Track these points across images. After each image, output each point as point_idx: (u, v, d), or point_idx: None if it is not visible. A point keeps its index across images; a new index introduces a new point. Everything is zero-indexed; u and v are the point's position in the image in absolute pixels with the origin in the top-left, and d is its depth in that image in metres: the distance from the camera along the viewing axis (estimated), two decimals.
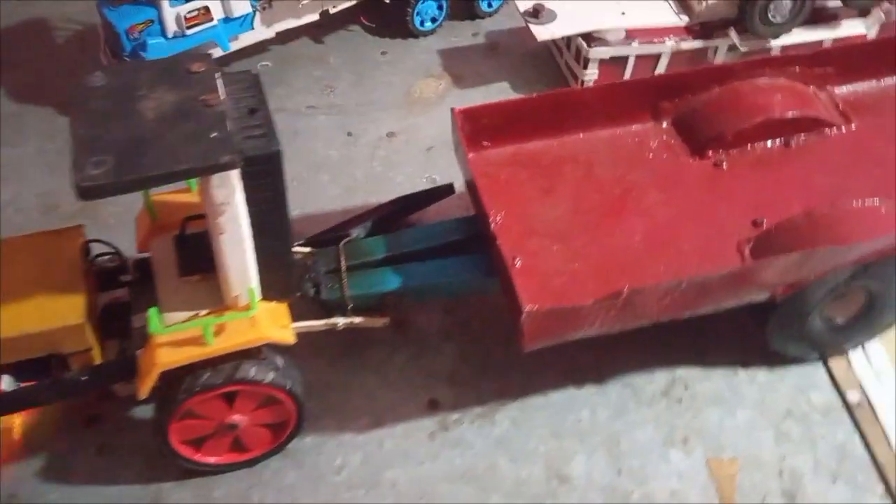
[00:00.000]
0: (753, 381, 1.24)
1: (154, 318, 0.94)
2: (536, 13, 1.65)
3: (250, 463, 1.12)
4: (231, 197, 0.90)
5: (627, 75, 1.67)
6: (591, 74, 1.66)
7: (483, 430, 1.18)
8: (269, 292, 1.03)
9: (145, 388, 0.97)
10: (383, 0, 1.76)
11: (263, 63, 1.79)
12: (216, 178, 0.87)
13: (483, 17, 1.93)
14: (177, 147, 0.85)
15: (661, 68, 1.67)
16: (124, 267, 1.12)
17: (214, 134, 0.87)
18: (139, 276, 1.10)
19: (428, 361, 1.25)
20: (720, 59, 1.69)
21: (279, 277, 1.01)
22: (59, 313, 0.97)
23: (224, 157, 0.85)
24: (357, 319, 1.13)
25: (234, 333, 0.98)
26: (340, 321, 1.13)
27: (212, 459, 1.08)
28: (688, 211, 1.19)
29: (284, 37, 1.78)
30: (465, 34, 1.89)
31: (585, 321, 1.03)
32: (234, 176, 0.89)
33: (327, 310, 1.14)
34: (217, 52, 1.61)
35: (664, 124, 1.33)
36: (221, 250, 0.94)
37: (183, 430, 1.04)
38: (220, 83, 0.94)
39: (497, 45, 1.86)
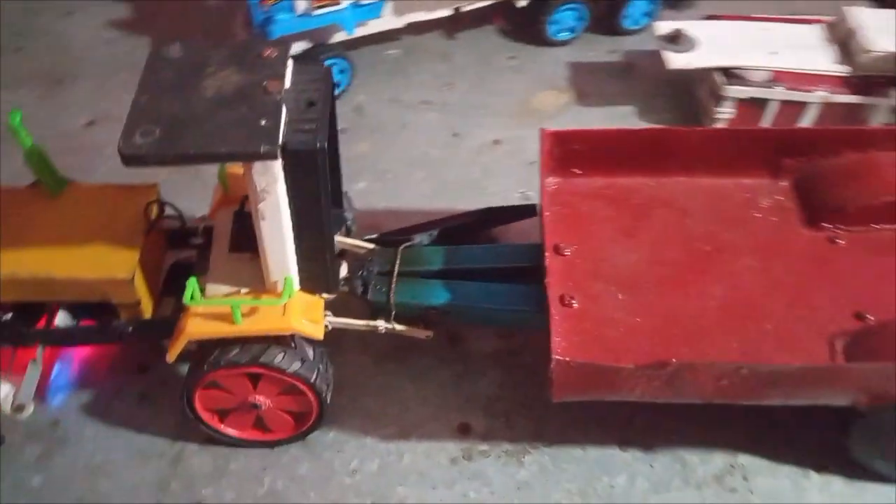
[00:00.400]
0: (825, 490, 1.09)
1: (190, 288, 0.95)
2: (674, 39, 1.54)
3: (270, 444, 1.12)
4: (273, 185, 0.89)
5: (767, 122, 1.52)
6: (725, 113, 1.53)
7: (507, 469, 1.11)
8: (308, 284, 1.01)
9: (173, 352, 0.99)
10: (516, 4, 1.70)
11: (391, 51, 1.78)
12: (258, 165, 0.87)
13: (624, 35, 1.82)
14: (225, 129, 0.85)
15: (806, 120, 1.51)
16: (195, 230, 1.14)
17: (264, 122, 0.86)
18: (207, 242, 1.12)
19: (470, 383, 1.20)
20: (877, 120, 1.51)
21: (318, 271, 0.99)
22: (111, 265, 1.01)
23: (264, 147, 0.84)
24: (399, 327, 1.10)
25: (263, 318, 0.98)
26: (382, 325, 1.10)
27: (232, 431, 1.09)
28: (782, 286, 1.06)
29: (417, 28, 1.76)
30: (601, 50, 1.80)
31: (624, 385, 0.94)
32: (277, 166, 0.87)
33: (373, 311, 1.12)
34: (342, 35, 1.62)
35: (782, 183, 1.20)
36: (262, 235, 0.94)
37: (208, 398, 1.05)
38: (288, 71, 0.93)
39: (632, 67, 1.75)
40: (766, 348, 0.99)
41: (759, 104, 1.50)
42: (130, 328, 1.06)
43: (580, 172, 1.22)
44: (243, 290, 1.02)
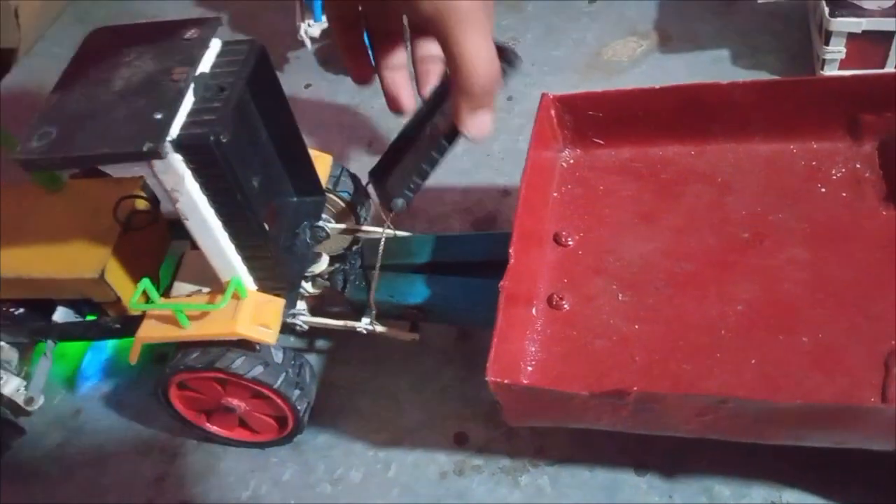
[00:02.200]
0: None
1: (139, 290, 0.91)
2: None
3: (259, 445, 1.08)
4: (181, 184, 0.81)
5: (891, 64, 1.19)
6: (835, 53, 1.21)
7: (499, 489, 0.98)
8: (264, 284, 0.94)
9: (133, 355, 0.97)
10: None
11: None
12: (159, 164, 0.79)
13: None
14: (117, 126, 0.78)
15: None
16: None
17: (158, 115, 0.78)
18: None
19: (473, 388, 1.07)
20: None
21: (266, 270, 0.91)
22: (82, 263, 0.99)
23: (147, 145, 0.76)
24: (380, 328, 1.00)
25: (210, 322, 0.92)
26: (362, 326, 1.00)
27: (217, 430, 1.05)
28: (834, 286, 0.81)
29: None
30: None
31: (583, 415, 0.77)
32: (177, 162, 0.79)
33: (355, 309, 1.02)
34: None
35: (864, 148, 0.92)
36: (194, 235, 0.87)
37: (184, 398, 1.03)
38: (208, 54, 0.84)
39: (734, 1, 1.46)
40: (794, 369, 0.76)
41: (879, 40, 1.17)
42: (118, 325, 1.05)
43: (602, 143, 1.02)
44: (205, 290, 0.97)
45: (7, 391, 1.11)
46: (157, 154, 0.77)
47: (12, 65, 1.88)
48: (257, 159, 0.87)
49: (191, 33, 0.86)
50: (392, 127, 1.44)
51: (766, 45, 1.36)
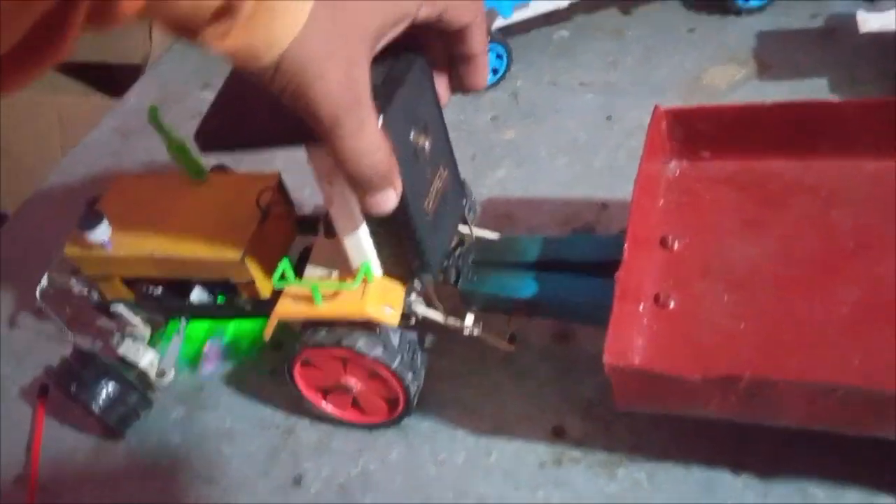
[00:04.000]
0: None
1: (279, 270, 1.00)
2: None
3: (368, 426, 1.15)
4: (334, 171, 0.89)
5: None
6: None
7: (597, 481, 1.03)
8: (391, 270, 1.02)
9: (268, 331, 1.05)
10: None
11: (560, 33, 1.72)
12: (315, 150, 0.88)
13: None
14: (281, 113, 0.87)
15: None
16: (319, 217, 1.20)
17: None
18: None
19: (571, 383, 1.12)
20: None
21: (396, 258, 0.99)
22: (225, 248, 1.09)
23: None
24: (478, 331, 1.06)
25: (342, 303, 1.01)
26: (467, 325, 1.07)
27: (332, 410, 1.13)
28: None
29: (589, 6, 1.68)
30: (801, 14, 1.56)
31: (693, 399, 0.81)
32: None
33: (465, 303, 1.10)
34: (503, 20, 1.60)
35: None
36: (335, 221, 0.96)
37: (306, 376, 1.11)
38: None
39: (835, 31, 1.50)
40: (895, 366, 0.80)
41: None
42: (249, 305, 1.14)
43: (709, 155, 1.07)
44: (334, 274, 1.05)
45: (143, 363, 1.22)
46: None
47: (140, 75, 2.05)
48: (413, 152, 0.89)
49: None
50: (494, 143, 1.53)
51: (865, 75, 1.39)
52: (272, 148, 0.91)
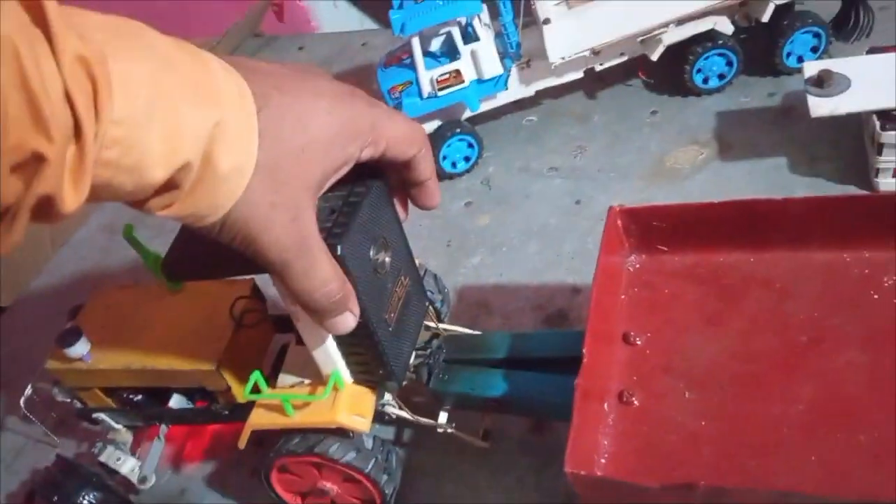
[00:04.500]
0: None
1: (251, 382, 1.02)
2: (821, 82, 1.34)
3: None
4: None
5: None
6: (888, 163, 1.29)
7: None
8: (360, 377, 1.04)
9: (242, 440, 1.07)
10: (651, 58, 1.59)
11: (529, 118, 1.78)
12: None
13: (789, 74, 1.62)
14: None
15: None
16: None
17: None
18: None
19: (550, 477, 1.14)
20: None
21: (366, 366, 1.02)
22: (200, 357, 1.11)
23: None
24: (451, 429, 1.09)
25: (312, 412, 1.03)
26: (441, 424, 1.09)
27: None
28: (889, 388, 0.87)
29: (555, 92, 1.74)
30: (758, 94, 1.62)
31: None
32: None
33: (438, 401, 1.12)
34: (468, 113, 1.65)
35: None
36: (303, 336, 0.99)
37: (283, 481, 1.12)
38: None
39: (792, 110, 1.55)
40: (854, 466, 0.81)
41: None
42: (227, 411, 1.16)
43: (666, 249, 1.11)
44: (307, 382, 1.08)
45: (124, 471, 1.23)
46: None
47: None
48: (373, 268, 0.93)
49: None
50: (469, 229, 1.57)
51: (822, 154, 1.44)
52: (234, 276, 0.95)
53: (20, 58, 0.43)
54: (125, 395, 1.23)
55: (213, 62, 0.60)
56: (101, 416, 1.24)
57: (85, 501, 1.20)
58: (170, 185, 0.60)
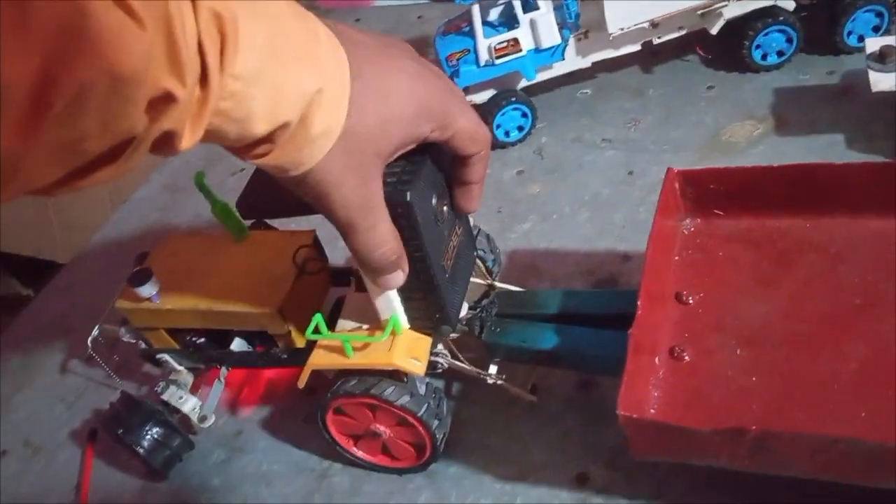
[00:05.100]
0: None
1: (313, 323, 1.07)
2: (883, 57, 1.33)
3: (398, 471, 1.20)
4: None
5: None
6: None
7: None
8: (416, 323, 1.08)
9: (302, 380, 1.12)
10: (710, 31, 1.60)
11: (583, 91, 1.79)
12: None
13: (849, 53, 1.61)
14: None
15: None
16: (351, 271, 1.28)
17: None
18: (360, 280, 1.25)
19: (594, 432, 1.16)
20: None
21: (423, 311, 1.05)
22: (263, 300, 1.16)
23: None
24: (502, 382, 1.12)
25: (370, 353, 1.07)
26: (491, 374, 1.12)
27: (363, 455, 1.18)
28: None
29: (608, 65, 1.75)
30: (818, 72, 1.62)
31: (704, 450, 0.85)
32: None
33: (489, 352, 1.15)
34: (527, 81, 1.67)
35: None
36: (366, 282, 1.03)
37: (337, 423, 1.17)
38: None
39: (851, 89, 1.55)
40: None
41: None
42: (285, 355, 1.21)
43: (722, 214, 1.12)
44: (365, 327, 1.12)
45: (185, 409, 1.29)
46: None
47: None
48: (434, 216, 0.96)
49: None
50: (519, 197, 1.60)
51: (880, 132, 1.43)
52: (300, 216, 0.99)
53: (168, 6, 0.48)
54: (189, 337, 1.28)
55: (321, 30, 0.65)
56: (165, 356, 1.30)
57: (148, 436, 1.26)
58: (266, 139, 0.66)
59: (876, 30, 1.57)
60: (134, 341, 1.32)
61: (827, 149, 1.45)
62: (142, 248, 1.36)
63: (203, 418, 1.29)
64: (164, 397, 1.29)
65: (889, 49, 1.33)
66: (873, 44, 1.36)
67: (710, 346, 0.99)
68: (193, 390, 1.32)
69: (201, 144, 0.64)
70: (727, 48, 1.66)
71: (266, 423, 1.36)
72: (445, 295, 1.02)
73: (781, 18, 1.58)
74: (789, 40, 1.61)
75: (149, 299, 1.20)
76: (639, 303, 0.93)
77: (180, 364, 1.31)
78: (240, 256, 1.26)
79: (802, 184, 1.05)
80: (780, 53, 1.63)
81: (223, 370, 1.32)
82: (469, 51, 1.64)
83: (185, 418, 1.30)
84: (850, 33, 1.59)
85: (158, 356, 1.30)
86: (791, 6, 1.57)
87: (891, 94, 1.36)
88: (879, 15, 1.56)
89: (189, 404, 1.29)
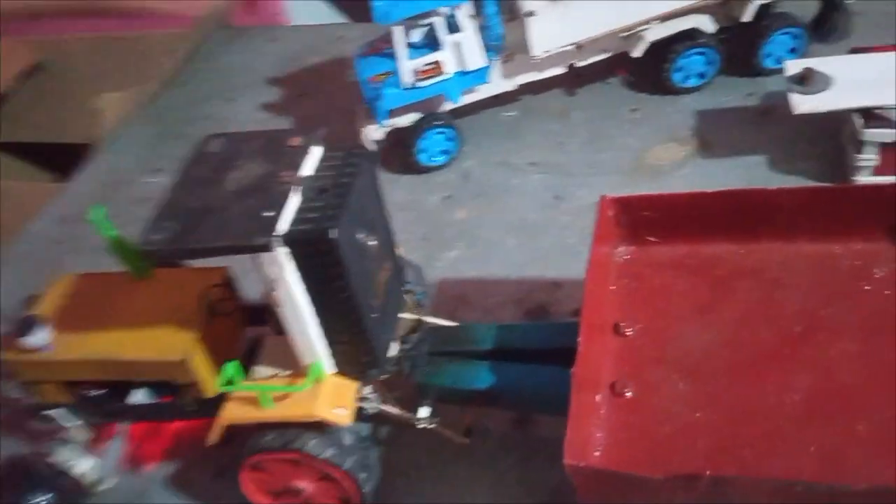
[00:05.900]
0: None
1: (225, 374, 0.97)
2: (804, 79, 1.34)
3: None
4: (281, 274, 0.89)
5: None
6: (867, 161, 1.30)
7: None
8: (343, 367, 1.00)
9: (212, 436, 1.01)
10: (632, 55, 1.58)
11: (508, 113, 1.75)
12: (265, 256, 0.87)
13: (767, 75, 1.63)
14: (231, 223, 0.87)
15: None
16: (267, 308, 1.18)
17: (267, 213, 0.86)
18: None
19: (532, 471, 1.10)
20: None
21: (350, 355, 0.97)
22: (168, 348, 1.05)
23: (258, 239, 0.85)
24: (433, 425, 1.05)
25: (290, 404, 0.98)
26: (422, 418, 1.05)
27: None
28: (885, 376, 0.85)
29: (536, 87, 1.72)
30: (738, 94, 1.62)
31: (655, 498, 0.80)
32: (281, 255, 0.87)
33: (421, 395, 1.07)
34: (452, 104, 1.62)
35: None
36: (284, 323, 0.94)
37: (255, 480, 1.07)
38: (311, 160, 0.94)
39: (772, 110, 1.56)
40: (852, 456, 0.80)
41: None
42: (194, 407, 1.10)
43: (657, 240, 1.09)
44: (284, 374, 1.02)
45: (80, 470, 1.16)
46: (267, 247, 0.85)
47: (90, 158, 2.02)
48: (360, 252, 0.92)
49: (294, 141, 0.96)
50: (446, 222, 1.53)
51: (801, 152, 1.44)
52: (216, 256, 0.90)
53: None
54: (85, 391, 1.15)
55: None
56: (57, 412, 1.17)
57: None
58: None
59: (793, 51, 1.59)
60: (22, 396, 1.18)
61: (751, 169, 1.45)
62: (32, 290, 1.22)
63: (97, 483, 1.15)
64: (54, 459, 1.15)
65: (809, 72, 1.33)
66: (794, 66, 1.37)
67: (651, 381, 0.94)
68: (91, 446, 1.19)
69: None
70: (649, 71, 1.66)
71: (174, 480, 1.23)
72: (374, 336, 0.94)
73: (702, 41, 1.58)
74: (710, 62, 1.61)
75: (39, 350, 1.08)
76: (579, 339, 0.87)
77: (74, 420, 1.18)
78: (143, 297, 1.14)
79: (736, 209, 1.02)
80: (700, 76, 1.64)
81: (123, 425, 1.19)
82: (392, 73, 1.58)
83: (78, 481, 1.17)
84: (767, 55, 1.61)
85: (45, 412, 1.17)
86: (712, 28, 1.58)
87: (811, 117, 1.36)
88: (795, 37, 1.58)
89: (81, 467, 1.15)
